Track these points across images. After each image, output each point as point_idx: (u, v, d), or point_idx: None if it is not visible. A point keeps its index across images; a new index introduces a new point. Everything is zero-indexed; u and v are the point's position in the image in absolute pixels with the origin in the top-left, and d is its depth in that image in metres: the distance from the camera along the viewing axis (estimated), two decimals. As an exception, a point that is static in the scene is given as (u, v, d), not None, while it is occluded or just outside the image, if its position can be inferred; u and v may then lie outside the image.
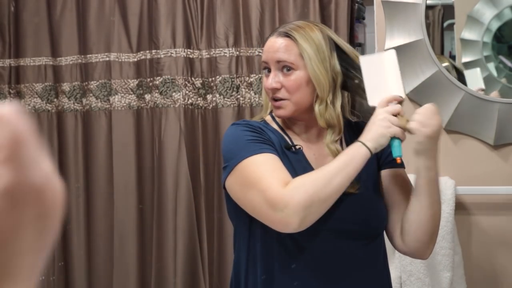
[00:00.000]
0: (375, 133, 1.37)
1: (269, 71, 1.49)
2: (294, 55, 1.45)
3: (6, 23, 2.72)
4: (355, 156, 1.36)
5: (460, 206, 2.32)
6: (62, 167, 2.70)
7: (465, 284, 2.31)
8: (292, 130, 1.54)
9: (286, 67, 1.46)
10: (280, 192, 1.33)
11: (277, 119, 1.55)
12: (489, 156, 2.35)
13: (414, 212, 1.46)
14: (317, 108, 1.46)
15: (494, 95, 2.32)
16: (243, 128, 1.46)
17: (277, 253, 1.45)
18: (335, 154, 1.44)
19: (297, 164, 1.46)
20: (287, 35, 1.47)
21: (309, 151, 1.51)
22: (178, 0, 2.55)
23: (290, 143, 1.50)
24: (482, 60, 2.36)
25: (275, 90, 1.46)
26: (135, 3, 2.62)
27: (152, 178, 2.62)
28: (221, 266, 2.52)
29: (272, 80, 1.46)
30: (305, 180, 1.35)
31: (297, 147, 1.49)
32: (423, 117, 1.39)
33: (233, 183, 1.43)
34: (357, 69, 1.48)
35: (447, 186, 2.24)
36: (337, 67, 1.47)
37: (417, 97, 2.33)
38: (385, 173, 1.55)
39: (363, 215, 1.48)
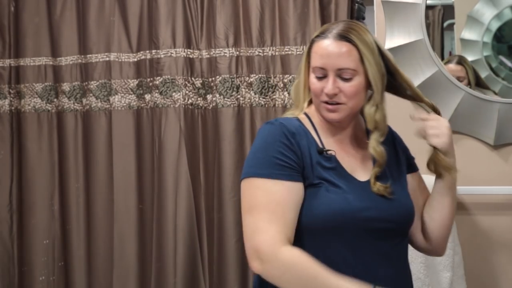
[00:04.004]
0: None
1: (324, 74, 1.44)
2: (355, 61, 1.41)
3: (6, 23, 2.72)
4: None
5: (460, 206, 2.33)
6: (62, 167, 2.70)
7: (465, 284, 2.31)
8: (326, 130, 1.50)
9: (347, 73, 1.42)
10: (269, 249, 1.33)
11: (312, 119, 1.50)
12: (489, 156, 2.35)
13: (438, 211, 1.53)
14: (367, 109, 1.44)
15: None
16: (278, 138, 1.41)
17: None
18: (381, 155, 1.44)
19: (333, 172, 1.43)
20: (347, 39, 1.41)
21: (343, 154, 1.48)
22: (178, 0, 2.55)
23: (322, 147, 1.45)
24: (482, 60, 2.36)
25: (333, 95, 1.43)
26: (135, 3, 2.62)
27: (152, 178, 2.62)
28: (221, 266, 2.51)
29: (332, 86, 1.41)
30: (297, 267, 1.32)
31: (330, 152, 1.45)
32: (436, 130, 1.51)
33: (243, 191, 1.42)
34: (392, 71, 1.47)
35: (447, 186, 2.23)
36: (384, 69, 1.45)
37: (417, 97, 2.34)
38: (410, 177, 1.57)
39: (396, 212, 1.46)
